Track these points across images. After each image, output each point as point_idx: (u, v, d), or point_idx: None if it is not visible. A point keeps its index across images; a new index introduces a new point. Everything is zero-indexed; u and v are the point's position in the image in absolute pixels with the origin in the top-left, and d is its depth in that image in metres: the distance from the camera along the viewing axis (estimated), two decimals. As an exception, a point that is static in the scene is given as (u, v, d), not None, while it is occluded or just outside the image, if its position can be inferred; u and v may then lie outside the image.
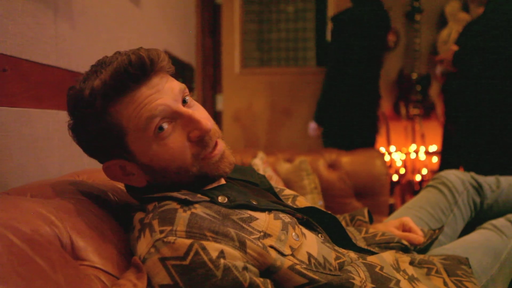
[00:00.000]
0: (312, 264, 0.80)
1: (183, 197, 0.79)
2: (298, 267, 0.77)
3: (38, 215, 0.71)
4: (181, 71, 2.73)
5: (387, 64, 3.81)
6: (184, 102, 0.83)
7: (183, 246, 0.70)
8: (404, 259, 0.97)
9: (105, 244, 0.79)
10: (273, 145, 3.97)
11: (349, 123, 2.73)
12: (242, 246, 0.73)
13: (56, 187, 0.88)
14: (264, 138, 4.08)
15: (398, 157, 3.85)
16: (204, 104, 0.90)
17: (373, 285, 0.81)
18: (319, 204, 2.06)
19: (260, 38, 4.19)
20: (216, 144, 0.85)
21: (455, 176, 1.41)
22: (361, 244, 1.03)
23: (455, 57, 2.29)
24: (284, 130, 4.03)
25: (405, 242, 1.10)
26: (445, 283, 0.92)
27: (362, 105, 2.75)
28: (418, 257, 1.01)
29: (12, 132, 1.02)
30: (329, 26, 3.07)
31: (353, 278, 0.79)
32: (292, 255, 0.78)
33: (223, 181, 0.94)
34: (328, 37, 3.74)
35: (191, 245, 0.70)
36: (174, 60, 0.86)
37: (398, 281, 0.84)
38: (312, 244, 0.84)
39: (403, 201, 3.71)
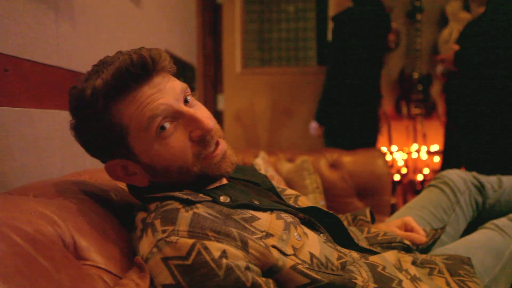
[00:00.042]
0: (314, 264, 0.80)
1: (185, 197, 0.79)
2: (300, 267, 0.76)
3: (41, 215, 0.71)
4: (182, 71, 2.73)
5: (388, 64, 3.81)
6: (185, 101, 0.83)
7: (185, 246, 0.70)
8: (406, 259, 0.97)
9: (107, 244, 0.79)
10: (274, 145, 3.97)
11: (350, 123, 2.73)
12: (244, 246, 0.73)
13: (59, 187, 0.88)
14: (265, 137, 4.08)
15: (399, 157, 3.85)
16: (205, 104, 0.90)
17: (376, 285, 0.81)
18: (321, 204, 2.06)
19: (261, 38, 4.18)
20: (217, 144, 0.85)
21: (457, 175, 1.41)
22: (363, 244, 1.03)
23: (456, 56, 2.29)
24: (285, 129, 4.03)
25: (407, 242, 1.10)
26: (447, 283, 0.91)
27: (363, 105, 2.75)
28: (420, 257, 1.00)
29: (14, 132, 1.02)
30: (330, 25, 3.06)
31: (356, 278, 0.79)
32: (294, 255, 0.78)
33: (225, 181, 0.94)
34: (329, 36, 3.74)
35: (193, 245, 0.70)
36: (175, 60, 0.86)
37: (400, 281, 0.84)
38: (314, 244, 0.84)
39: (405, 201, 3.71)
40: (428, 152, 3.82)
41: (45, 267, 0.61)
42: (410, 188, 3.79)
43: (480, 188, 1.40)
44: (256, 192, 0.96)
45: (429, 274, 0.94)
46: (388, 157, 3.71)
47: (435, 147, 3.80)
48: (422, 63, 3.80)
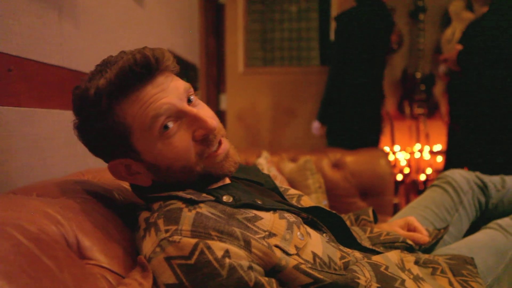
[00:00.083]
0: (317, 264, 0.80)
1: (188, 196, 0.79)
2: (303, 266, 0.77)
3: (44, 214, 0.72)
4: (185, 71, 2.73)
5: (391, 63, 3.80)
6: (189, 101, 0.83)
7: (188, 245, 0.70)
8: (409, 258, 0.97)
9: (110, 243, 0.80)
10: (276, 145, 3.97)
11: (353, 123, 2.73)
12: (247, 245, 0.73)
13: (62, 186, 0.89)
14: (267, 137, 4.08)
15: (402, 157, 3.84)
16: (207, 104, 0.90)
17: (378, 285, 0.81)
18: (324, 203, 2.06)
19: (264, 38, 4.18)
20: (220, 143, 0.85)
21: (460, 175, 1.41)
22: (366, 243, 1.03)
23: (459, 56, 2.28)
24: (287, 129, 4.03)
25: (410, 242, 1.10)
26: (450, 283, 0.91)
27: (366, 105, 2.75)
28: (423, 256, 1.00)
29: (16, 131, 1.03)
30: (333, 25, 3.06)
31: (358, 278, 0.79)
32: (297, 254, 0.78)
33: (228, 181, 0.94)
34: (332, 36, 3.74)
35: (196, 245, 0.70)
36: (178, 60, 0.86)
37: (403, 281, 0.84)
38: (317, 243, 0.84)
39: (407, 201, 3.70)
40: (431, 152, 3.81)
41: (49, 266, 0.61)
42: (412, 188, 3.78)
43: (483, 188, 1.40)
44: (259, 192, 0.96)
45: (432, 274, 0.94)
46: (391, 157, 3.71)
47: (438, 147, 3.79)
48: (425, 63, 3.80)
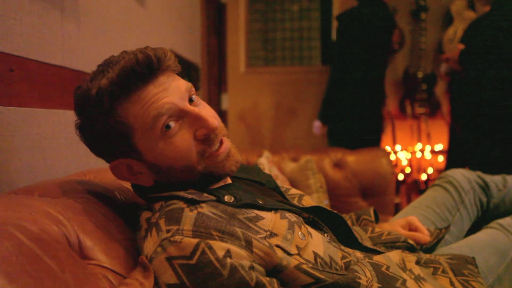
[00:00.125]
0: (318, 264, 0.80)
1: (189, 196, 0.79)
2: (304, 266, 0.76)
3: (46, 214, 0.72)
4: (187, 71, 2.73)
5: (393, 63, 3.80)
6: (190, 100, 0.83)
7: (189, 245, 0.70)
8: (410, 258, 0.97)
9: (112, 243, 0.80)
10: (278, 144, 3.97)
11: (354, 122, 2.73)
12: (248, 245, 0.73)
13: (63, 186, 0.89)
14: (269, 137, 4.08)
15: (403, 156, 3.84)
16: (209, 104, 0.90)
17: (380, 285, 0.81)
18: (325, 203, 2.06)
19: (265, 37, 4.19)
20: (222, 142, 0.85)
21: (462, 175, 1.41)
22: (367, 243, 1.03)
23: (461, 56, 2.28)
24: (289, 129, 4.03)
25: (411, 242, 1.10)
26: (451, 283, 0.91)
27: (367, 104, 2.75)
28: (424, 256, 1.00)
29: (18, 131, 1.03)
30: (334, 25, 3.06)
31: (360, 278, 0.79)
32: (298, 254, 0.78)
33: (229, 180, 0.94)
34: (333, 36, 3.74)
35: (197, 245, 0.70)
36: (180, 60, 0.86)
37: (404, 281, 0.84)
38: (318, 243, 0.84)
39: (409, 201, 3.70)
40: (432, 152, 3.81)
41: (50, 266, 0.61)
42: (414, 187, 3.78)
43: (485, 188, 1.40)
44: (261, 192, 0.96)
45: (433, 273, 0.94)
46: (392, 157, 3.70)
47: (439, 147, 3.79)
48: (426, 62, 3.79)
